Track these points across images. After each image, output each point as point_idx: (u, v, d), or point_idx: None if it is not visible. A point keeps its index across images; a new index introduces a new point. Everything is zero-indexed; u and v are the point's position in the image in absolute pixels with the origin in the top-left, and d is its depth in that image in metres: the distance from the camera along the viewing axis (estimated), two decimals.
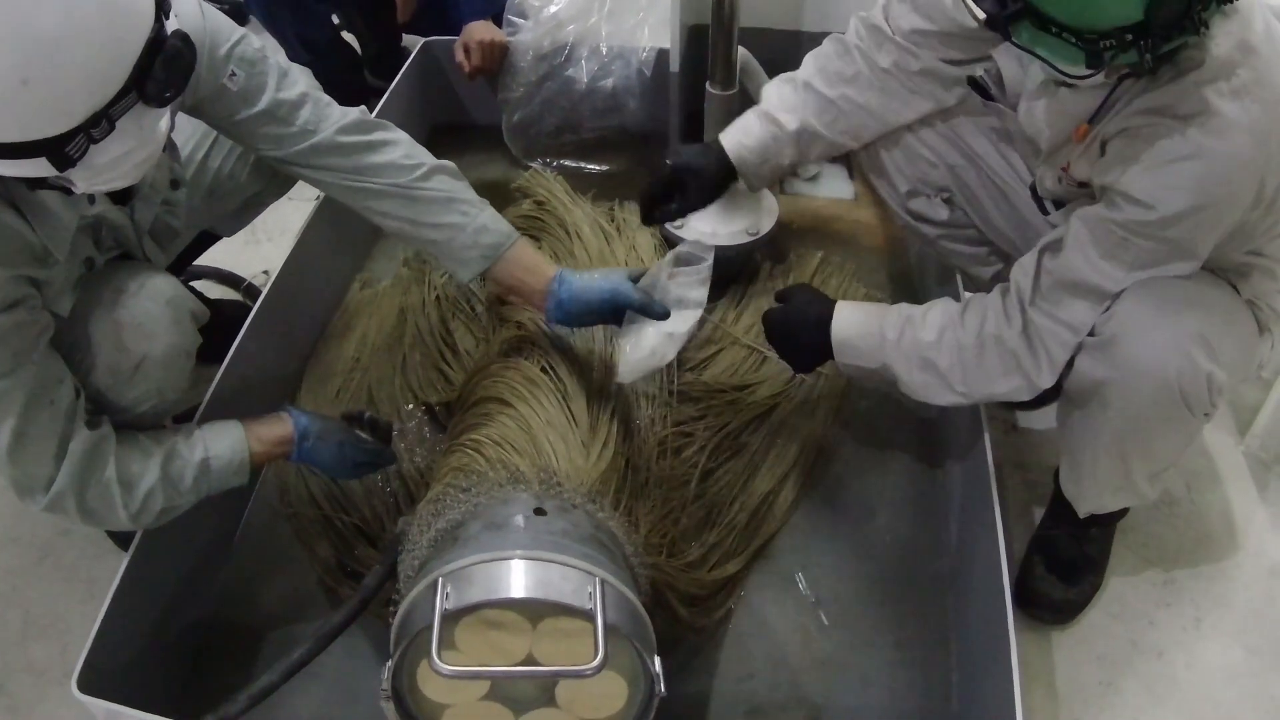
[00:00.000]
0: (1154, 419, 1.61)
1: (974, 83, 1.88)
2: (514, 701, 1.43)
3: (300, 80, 1.75)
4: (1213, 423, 1.97)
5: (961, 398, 1.74)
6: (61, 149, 1.25)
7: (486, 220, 1.82)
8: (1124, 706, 1.85)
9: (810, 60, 1.97)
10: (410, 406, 2.24)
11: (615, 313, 1.84)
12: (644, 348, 1.84)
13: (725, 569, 1.94)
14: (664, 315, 1.81)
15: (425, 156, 1.82)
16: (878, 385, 1.88)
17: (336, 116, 1.76)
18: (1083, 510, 1.84)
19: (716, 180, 2.05)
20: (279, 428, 1.75)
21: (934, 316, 1.75)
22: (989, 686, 1.63)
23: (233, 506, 2.06)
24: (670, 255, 1.86)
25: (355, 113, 1.80)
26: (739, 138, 2.00)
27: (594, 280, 1.83)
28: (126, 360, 1.59)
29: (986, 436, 1.85)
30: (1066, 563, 1.97)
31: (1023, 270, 1.66)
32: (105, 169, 1.32)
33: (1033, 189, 1.84)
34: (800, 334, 1.91)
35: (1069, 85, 1.57)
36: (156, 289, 1.63)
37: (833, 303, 1.87)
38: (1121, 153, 1.49)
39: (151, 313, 1.61)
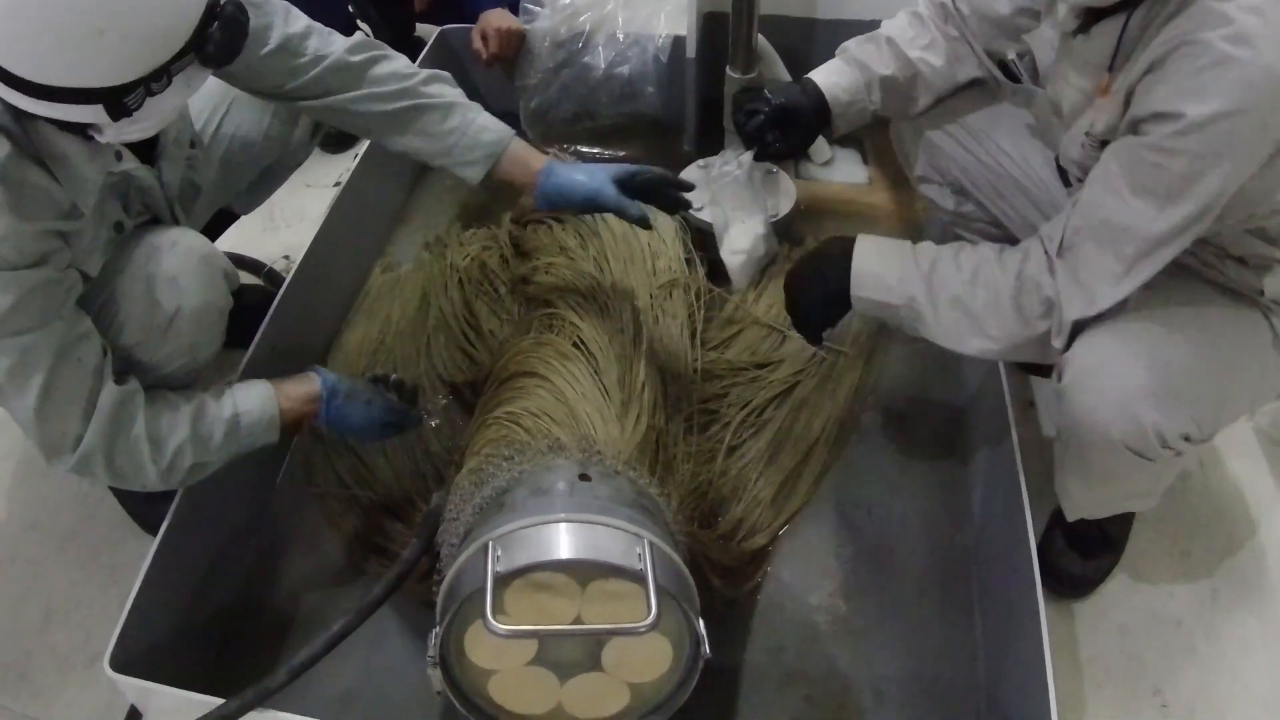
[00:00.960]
0: (1111, 466, 1.61)
1: (1004, 67, 1.88)
2: (560, 666, 1.44)
3: (299, 12, 1.82)
4: None
5: (991, 343, 1.64)
6: (121, 99, 1.32)
7: (485, 121, 1.88)
8: (1144, 676, 1.88)
9: (886, 26, 1.98)
10: (441, 398, 2.25)
11: (595, 207, 1.89)
12: (745, 253, 1.97)
13: (754, 542, 1.97)
14: (638, 217, 1.85)
15: (421, 69, 1.89)
16: (897, 327, 1.76)
17: (341, 40, 1.83)
18: (1070, 516, 1.84)
19: (814, 122, 2.00)
20: (306, 385, 1.78)
21: (968, 254, 1.68)
22: (1017, 655, 1.66)
23: (260, 487, 2.08)
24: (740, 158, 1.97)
25: (356, 36, 1.87)
26: (832, 78, 1.97)
27: (576, 178, 1.87)
28: (159, 315, 1.61)
29: (1009, 411, 1.87)
30: (1086, 539, 1.99)
31: (1055, 221, 1.61)
32: (140, 120, 1.38)
33: (1057, 163, 1.84)
34: (819, 273, 1.81)
35: (1084, 30, 1.57)
36: (190, 245, 1.66)
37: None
38: (1149, 84, 1.44)
39: (185, 267, 1.63)
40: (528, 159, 1.90)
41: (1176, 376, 1.53)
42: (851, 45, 1.99)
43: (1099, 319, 1.55)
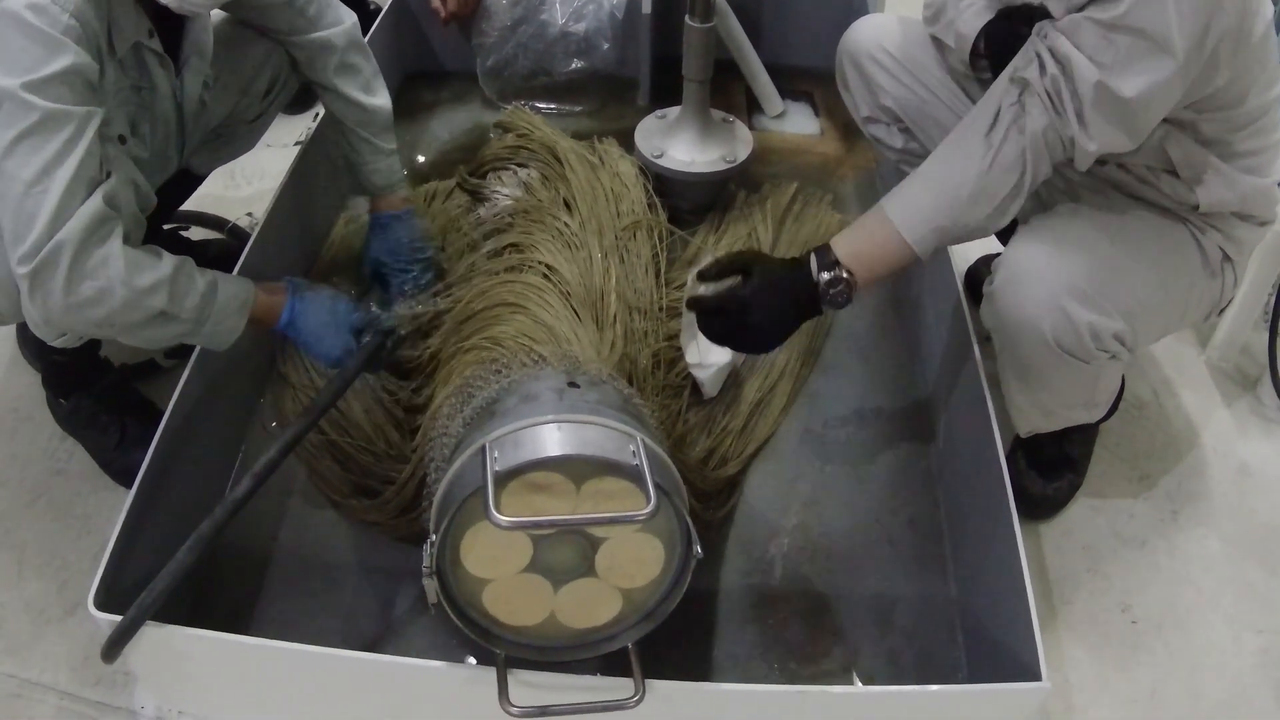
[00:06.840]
0: (1045, 367, 1.65)
1: None
2: (553, 573, 1.45)
3: None
4: (1174, 335, 2.08)
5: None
6: None
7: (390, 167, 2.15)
8: (1111, 591, 1.94)
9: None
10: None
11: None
12: (716, 366, 2.04)
13: (725, 469, 2.00)
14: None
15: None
16: (938, 237, 1.59)
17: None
18: (1021, 431, 1.90)
19: None
20: (277, 286, 1.81)
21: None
22: (990, 571, 1.70)
23: (234, 431, 2.08)
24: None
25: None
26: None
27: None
28: None
29: (972, 334, 1.90)
30: (1048, 460, 2.04)
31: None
32: None
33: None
34: (782, 284, 1.65)
35: None
36: None
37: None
38: None
39: None
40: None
41: (1106, 275, 1.56)
42: None
43: (1028, 227, 1.60)
